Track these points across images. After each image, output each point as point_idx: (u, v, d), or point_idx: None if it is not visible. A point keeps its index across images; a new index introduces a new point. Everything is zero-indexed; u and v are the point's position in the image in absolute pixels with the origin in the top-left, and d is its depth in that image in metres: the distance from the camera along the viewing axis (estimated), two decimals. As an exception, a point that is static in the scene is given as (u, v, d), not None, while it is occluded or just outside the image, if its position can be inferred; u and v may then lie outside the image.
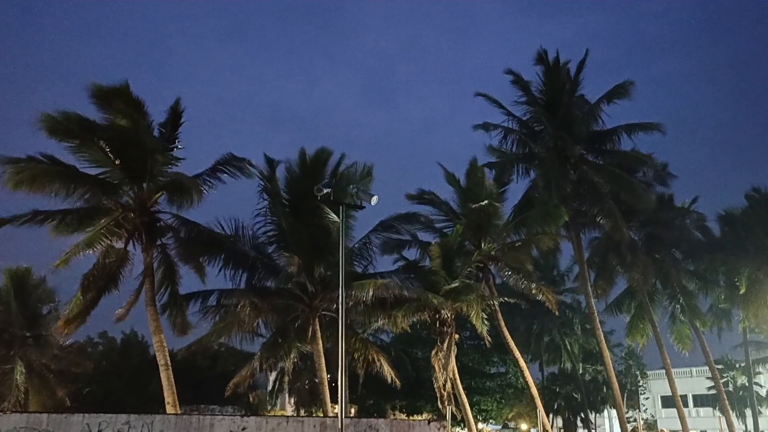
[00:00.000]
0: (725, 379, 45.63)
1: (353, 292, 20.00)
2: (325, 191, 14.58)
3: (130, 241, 20.27)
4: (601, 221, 28.52)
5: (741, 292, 31.16)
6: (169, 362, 19.25)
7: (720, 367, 44.21)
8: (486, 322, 23.55)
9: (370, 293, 20.28)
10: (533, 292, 26.09)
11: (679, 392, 33.27)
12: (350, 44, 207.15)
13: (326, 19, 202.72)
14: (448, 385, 22.45)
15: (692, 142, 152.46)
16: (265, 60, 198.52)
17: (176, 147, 20.75)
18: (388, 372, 22.51)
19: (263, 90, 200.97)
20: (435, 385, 22.70)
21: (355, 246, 22.95)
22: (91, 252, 19.42)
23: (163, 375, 19.06)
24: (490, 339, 24.79)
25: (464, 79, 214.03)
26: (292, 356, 23.18)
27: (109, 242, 19.58)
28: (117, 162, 19.77)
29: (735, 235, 33.03)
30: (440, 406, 22.38)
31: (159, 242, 20.64)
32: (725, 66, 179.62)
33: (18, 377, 29.34)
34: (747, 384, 43.58)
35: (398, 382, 23.07)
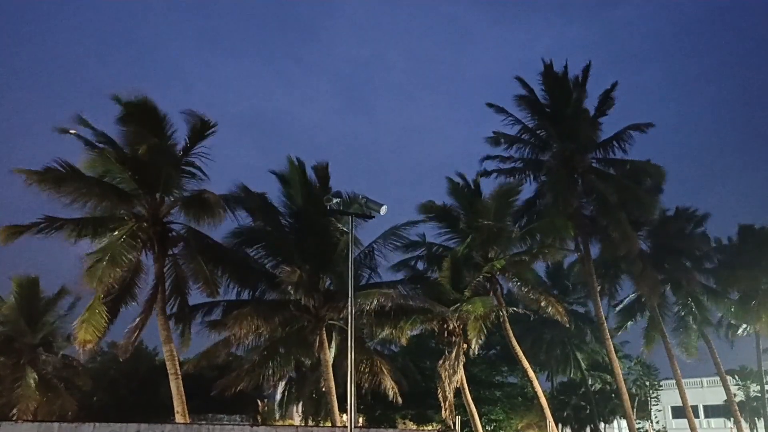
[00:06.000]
0: (737, 389, 45.21)
1: (359, 301, 19.82)
2: (334, 201, 14.60)
3: (143, 251, 20.41)
4: (610, 232, 28.35)
5: (752, 303, 31.06)
6: (179, 371, 19.33)
7: (733, 378, 43.81)
8: (482, 337, 23.38)
9: (374, 302, 20.21)
10: (542, 304, 26.02)
11: (690, 402, 33.03)
12: (325, 51, 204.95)
13: (301, 25, 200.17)
14: (451, 396, 22.37)
15: (679, 148, 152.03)
16: (237, 66, 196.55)
17: (192, 162, 20.71)
18: (391, 385, 22.00)
19: (235, 97, 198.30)
20: (440, 395, 22.61)
21: (360, 255, 22.93)
22: (119, 270, 19.23)
23: (172, 384, 19.12)
24: (476, 352, 24.37)
25: (447, 87, 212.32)
26: (292, 365, 23.10)
27: (127, 254, 19.59)
28: (130, 173, 19.95)
29: (747, 249, 32.96)
30: (444, 415, 22.34)
31: (171, 252, 20.78)
32: (705, 73, 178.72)
33: (32, 384, 29.43)
34: (759, 393, 43.13)
35: (399, 399, 22.31)
